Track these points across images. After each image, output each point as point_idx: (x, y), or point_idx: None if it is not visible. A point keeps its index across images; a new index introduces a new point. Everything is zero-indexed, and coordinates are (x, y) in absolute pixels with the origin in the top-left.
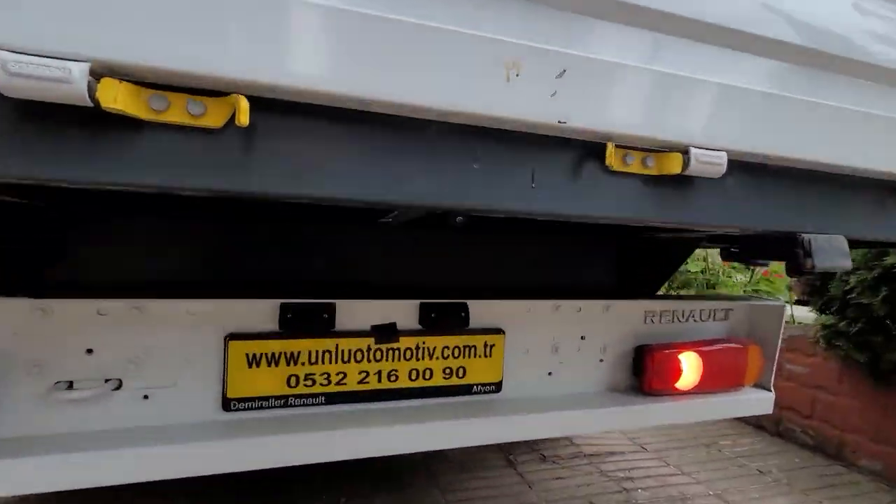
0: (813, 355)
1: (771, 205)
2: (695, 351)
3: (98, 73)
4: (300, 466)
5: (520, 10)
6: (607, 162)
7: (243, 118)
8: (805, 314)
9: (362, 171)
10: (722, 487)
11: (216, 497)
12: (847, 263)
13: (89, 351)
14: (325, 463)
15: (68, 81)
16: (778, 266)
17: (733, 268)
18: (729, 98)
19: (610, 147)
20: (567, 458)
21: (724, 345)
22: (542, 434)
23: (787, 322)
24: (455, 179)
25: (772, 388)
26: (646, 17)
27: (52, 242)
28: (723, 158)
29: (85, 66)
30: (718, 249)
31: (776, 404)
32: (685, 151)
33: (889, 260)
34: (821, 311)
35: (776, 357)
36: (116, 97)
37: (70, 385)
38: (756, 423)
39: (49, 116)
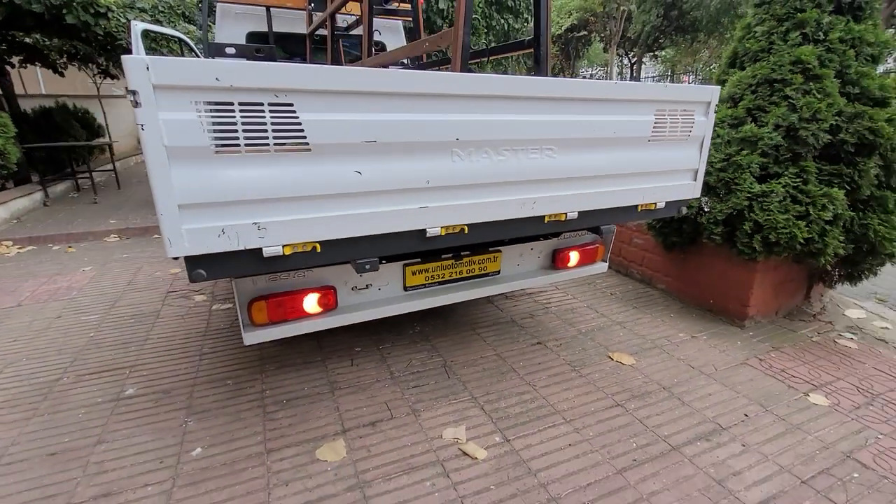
0: (646, 234)
1: None
2: (577, 250)
3: None
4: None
5: None
6: None
7: None
8: None
9: None
10: (592, 302)
11: (368, 330)
12: None
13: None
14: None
15: None
16: None
17: None
18: None
19: None
20: (518, 295)
21: (590, 245)
22: (515, 287)
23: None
24: None
25: (607, 262)
26: None
27: None
28: None
29: None
30: None
31: (625, 257)
32: None
33: None
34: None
35: (610, 249)
36: None
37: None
38: (616, 270)
39: None
